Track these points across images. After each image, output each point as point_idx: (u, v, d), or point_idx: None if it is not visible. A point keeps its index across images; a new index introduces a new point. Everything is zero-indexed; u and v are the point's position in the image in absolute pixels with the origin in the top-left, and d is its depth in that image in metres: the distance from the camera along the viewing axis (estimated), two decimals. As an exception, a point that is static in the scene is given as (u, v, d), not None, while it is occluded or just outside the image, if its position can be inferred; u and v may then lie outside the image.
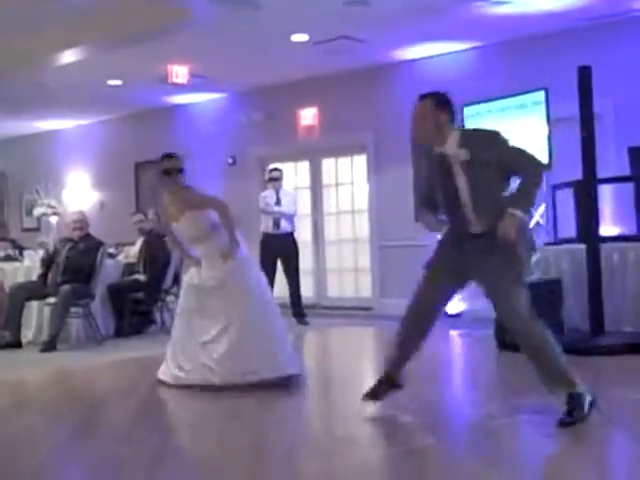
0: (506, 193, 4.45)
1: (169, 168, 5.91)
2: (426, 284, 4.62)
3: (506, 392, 5.43)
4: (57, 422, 5.02)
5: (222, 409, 5.26)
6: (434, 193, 4.59)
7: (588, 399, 4.29)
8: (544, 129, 7.54)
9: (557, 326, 7.00)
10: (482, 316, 8.79)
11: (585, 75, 6.74)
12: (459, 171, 4.37)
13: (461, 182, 4.38)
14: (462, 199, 4.40)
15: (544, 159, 7.55)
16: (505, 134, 4.47)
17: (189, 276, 6.02)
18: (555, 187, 7.72)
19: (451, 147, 4.39)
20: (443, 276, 4.57)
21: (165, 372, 5.98)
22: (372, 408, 4.79)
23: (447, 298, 4.74)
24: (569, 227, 7.44)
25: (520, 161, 4.36)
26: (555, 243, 7.64)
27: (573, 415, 4.22)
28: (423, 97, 4.48)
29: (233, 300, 5.72)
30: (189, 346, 5.83)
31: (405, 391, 4.88)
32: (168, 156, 6.00)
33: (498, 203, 4.32)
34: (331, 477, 3.72)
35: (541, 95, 7.55)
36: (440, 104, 4.43)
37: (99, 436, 4.64)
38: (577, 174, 7.44)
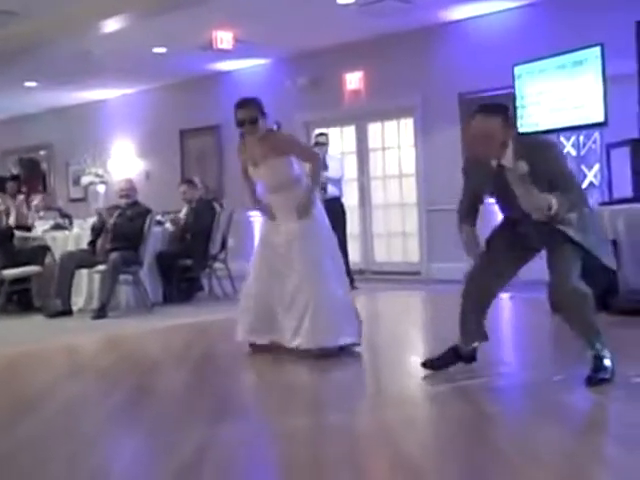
0: None
1: (240, 119, 5.57)
2: (485, 259, 4.57)
3: (566, 354, 5.34)
4: (112, 388, 5.01)
5: (279, 372, 5.25)
6: (478, 202, 4.56)
7: (609, 363, 4.28)
8: (599, 87, 7.32)
9: (612, 287, 6.90)
10: (530, 279, 8.70)
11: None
12: (516, 182, 4.20)
13: (519, 192, 4.22)
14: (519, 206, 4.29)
15: (599, 117, 7.36)
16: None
17: (264, 231, 5.83)
18: (610, 146, 7.54)
19: (509, 159, 4.22)
20: (503, 251, 4.52)
21: (242, 332, 5.78)
22: (426, 371, 4.74)
23: (507, 273, 4.64)
24: (624, 187, 7.27)
25: (563, 184, 4.17)
26: (610, 203, 7.46)
27: (599, 374, 4.24)
28: (489, 113, 4.21)
29: (301, 265, 5.52)
30: (268, 309, 5.65)
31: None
32: (239, 105, 5.61)
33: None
34: (385, 431, 3.72)
35: (596, 52, 7.32)
36: (509, 121, 4.24)
37: (155, 401, 4.64)
38: (632, 133, 7.27)
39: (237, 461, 3.44)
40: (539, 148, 4.27)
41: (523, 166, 4.08)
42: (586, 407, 4.15)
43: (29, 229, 9.77)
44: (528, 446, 3.41)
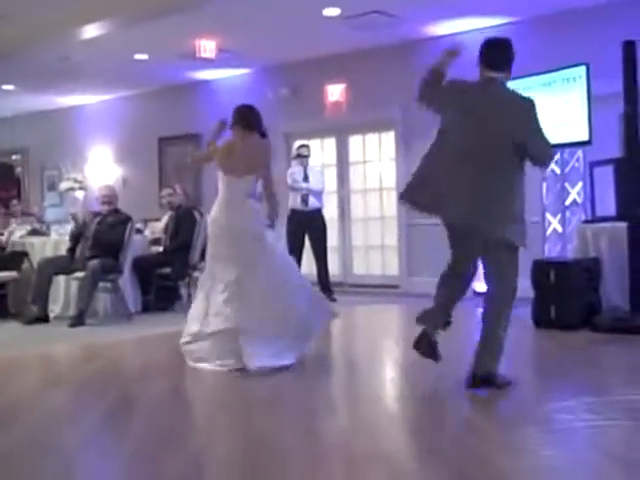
0: None
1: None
2: None
3: (550, 367, 5.35)
4: (94, 399, 4.90)
5: (263, 383, 5.15)
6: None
7: None
8: (584, 105, 7.35)
9: (595, 304, 6.96)
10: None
11: (630, 50, 6.67)
12: None
13: None
14: None
15: (584, 136, 7.40)
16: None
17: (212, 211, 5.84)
18: (593, 164, 7.59)
19: None
20: None
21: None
22: (400, 385, 4.72)
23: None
24: (607, 205, 7.31)
25: None
26: (593, 221, 7.51)
27: None
28: None
29: (245, 262, 5.55)
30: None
31: (438, 369, 4.81)
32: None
33: None
34: (379, 446, 3.64)
35: (581, 71, 7.35)
36: None
37: (140, 413, 4.53)
38: (614, 152, 7.31)
39: (233, 471, 3.39)
40: None
41: None
42: (575, 421, 4.13)
43: (3, 249, 9.50)
44: (521, 461, 3.39)
